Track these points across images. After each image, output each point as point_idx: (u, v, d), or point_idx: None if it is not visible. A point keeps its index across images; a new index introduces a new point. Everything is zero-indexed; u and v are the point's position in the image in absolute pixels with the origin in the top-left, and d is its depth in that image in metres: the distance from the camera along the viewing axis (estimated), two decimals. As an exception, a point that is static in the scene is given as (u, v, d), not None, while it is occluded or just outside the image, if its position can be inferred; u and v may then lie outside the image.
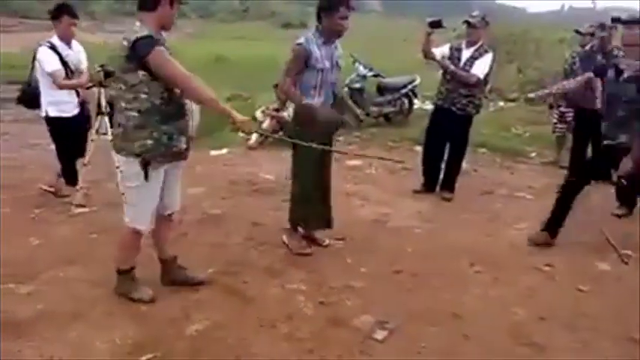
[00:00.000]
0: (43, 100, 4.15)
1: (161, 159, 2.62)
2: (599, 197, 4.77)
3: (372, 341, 2.65)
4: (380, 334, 2.69)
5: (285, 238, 3.71)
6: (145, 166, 2.57)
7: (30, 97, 4.24)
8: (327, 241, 3.74)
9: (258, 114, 7.36)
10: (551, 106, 6.31)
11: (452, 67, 4.61)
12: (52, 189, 4.46)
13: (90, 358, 2.44)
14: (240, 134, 6.21)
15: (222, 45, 18.96)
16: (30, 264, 3.31)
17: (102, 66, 4.08)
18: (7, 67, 12.20)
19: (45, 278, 3.14)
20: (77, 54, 4.25)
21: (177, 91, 2.57)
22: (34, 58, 4.14)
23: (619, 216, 4.48)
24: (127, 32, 2.47)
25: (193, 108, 7.13)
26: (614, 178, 3.78)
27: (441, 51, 4.72)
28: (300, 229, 3.71)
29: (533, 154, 6.63)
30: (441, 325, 2.80)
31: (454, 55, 4.68)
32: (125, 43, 2.43)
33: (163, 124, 2.56)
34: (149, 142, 2.55)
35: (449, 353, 2.58)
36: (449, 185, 4.97)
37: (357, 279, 3.26)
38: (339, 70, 3.53)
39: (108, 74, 3.89)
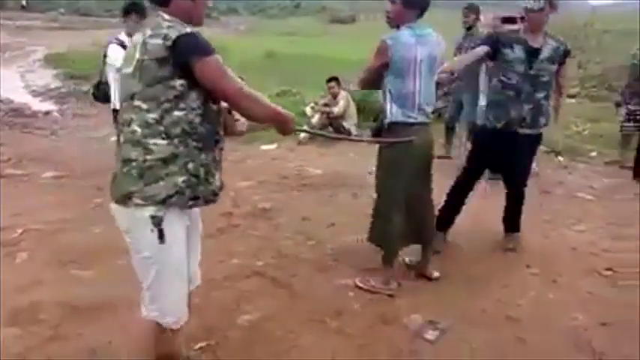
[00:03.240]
0: (113, 94, 4.33)
1: (192, 203, 1.83)
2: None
3: (422, 341, 2.60)
4: (431, 334, 2.63)
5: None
6: (159, 223, 1.76)
7: (103, 93, 4.51)
8: (435, 274, 3.23)
9: (308, 109, 7.39)
10: (618, 104, 6.00)
11: None
12: None
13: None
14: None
15: (272, 41, 19.15)
16: (91, 251, 3.45)
17: None
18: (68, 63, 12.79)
19: (105, 266, 3.26)
20: None
21: (215, 106, 1.85)
22: (104, 55, 4.33)
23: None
24: (153, 28, 1.73)
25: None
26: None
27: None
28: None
29: (594, 153, 6.32)
30: (494, 328, 2.72)
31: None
32: (159, 41, 1.68)
33: (202, 152, 1.80)
34: (181, 179, 1.76)
35: (501, 355, 2.50)
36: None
37: (407, 277, 3.21)
38: None
39: None
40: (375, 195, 3.12)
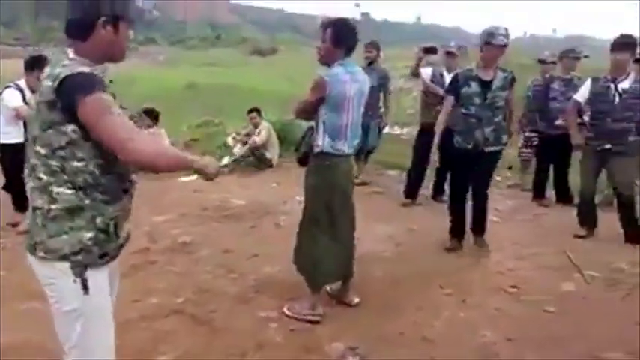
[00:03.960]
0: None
1: (101, 261, 1.69)
2: (560, 219, 4.95)
3: (343, 367, 2.64)
4: (351, 360, 2.69)
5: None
6: (81, 273, 1.64)
7: None
8: (356, 299, 3.32)
9: (229, 140, 7.39)
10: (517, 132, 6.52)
11: (441, 90, 5.06)
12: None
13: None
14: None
15: (192, 71, 19.00)
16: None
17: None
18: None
19: (8, 310, 3.03)
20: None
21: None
22: None
23: (581, 237, 4.61)
24: (51, 66, 1.61)
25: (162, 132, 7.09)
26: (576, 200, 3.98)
27: (425, 72, 5.47)
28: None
29: (498, 178, 6.79)
30: (411, 349, 2.82)
31: (437, 79, 5.38)
32: (49, 82, 1.55)
33: (109, 204, 1.67)
34: (87, 235, 1.63)
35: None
36: (441, 188, 5.62)
37: (326, 305, 3.25)
38: None
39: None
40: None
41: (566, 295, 3.55)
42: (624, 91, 4.29)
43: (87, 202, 1.62)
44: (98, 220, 1.65)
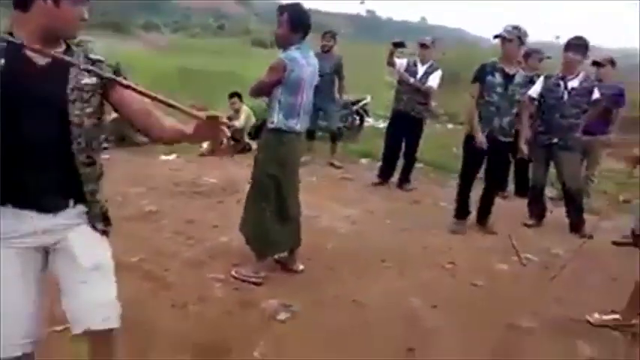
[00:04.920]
0: None
1: None
2: (514, 209, 5.20)
3: (274, 321, 2.89)
4: (282, 315, 2.94)
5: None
6: None
7: None
8: (300, 267, 3.57)
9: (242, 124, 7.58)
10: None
11: (412, 79, 5.69)
12: None
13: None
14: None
15: (190, 58, 19.15)
16: None
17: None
18: None
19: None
20: None
21: None
22: None
23: (528, 226, 4.86)
24: None
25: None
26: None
27: (400, 63, 5.85)
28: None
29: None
30: (342, 311, 3.07)
31: (411, 69, 5.77)
32: None
33: None
34: None
35: (342, 333, 2.84)
36: (406, 178, 6.02)
37: (272, 270, 3.50)
38: None
39: None
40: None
41: (499, 272, 3.81)
42: (573, 89, 4.53)
43: None
44: None
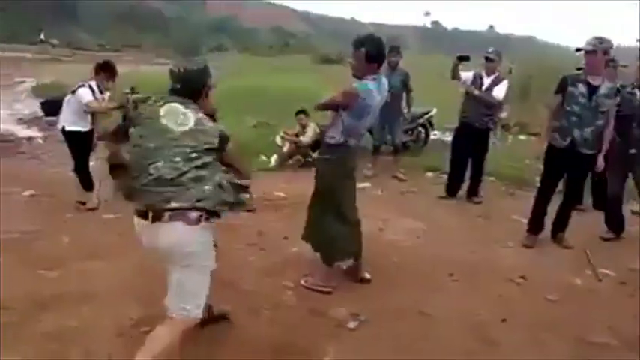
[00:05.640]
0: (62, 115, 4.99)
1: None
2: (591, 222, 5.01)
3: (344, 329, 3.00)
4: (352, 324, 3.04)
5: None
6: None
7: (53, 109, 5.29)
8: (367, 275, 3.69)
9: (278, 139, 7.86)
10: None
11: (477, 91, 5.66)
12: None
13: (98, 330, 2.88)
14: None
15: (257, 76, 19.83)
16: (59, 257, 3.82)
17: (132, 88, 4.69)
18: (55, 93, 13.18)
19: (68, 268, 3.64)
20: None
21: None
22: (73, 92, 4.92)
23: (606, 239, 4.67)
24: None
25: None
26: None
27: (466, 75, 5.81)
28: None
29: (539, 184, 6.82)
30: (407, 321, 3.12)
31: (477, 81, 5.74)
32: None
33: None
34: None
35: (409, 342, 2.89)
36: (474, 191, 5.96)
37: (342, 280, 3.61)
38: None
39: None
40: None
41: (572, 287, 3.71)
42: None
43: None
44: None
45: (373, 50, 3.27)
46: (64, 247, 4.08)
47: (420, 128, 8.78)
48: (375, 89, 3.29)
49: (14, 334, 2.79)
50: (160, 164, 2.22)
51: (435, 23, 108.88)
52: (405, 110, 6.87)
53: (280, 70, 25.62)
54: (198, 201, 2.22)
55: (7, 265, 3.64)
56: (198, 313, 2.37)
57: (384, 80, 3.42)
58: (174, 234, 2.22)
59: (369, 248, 4.22)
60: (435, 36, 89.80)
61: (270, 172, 7.08)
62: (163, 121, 2.29)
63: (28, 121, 10.85)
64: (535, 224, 4.56)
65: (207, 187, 2.24)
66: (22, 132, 9.77)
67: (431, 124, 9.01)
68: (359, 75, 3.32)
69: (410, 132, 8.55)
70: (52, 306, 3.09)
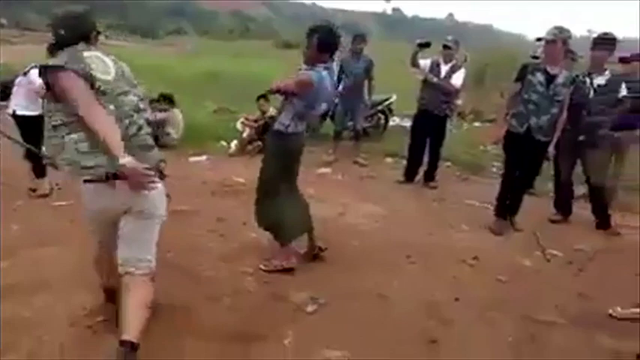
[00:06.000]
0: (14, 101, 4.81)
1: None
2: (541, 205, 5.22)
3: (302, 312, 3.03)
4: (310, 307, 3.08)
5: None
6: None
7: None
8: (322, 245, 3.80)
9: (238, 124, 7.79)
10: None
11: (435, 79, 5.78)
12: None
13: (51, 320, 2.81)
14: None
15: (216, 60, 19.49)
16: (9, 245, 3.69)
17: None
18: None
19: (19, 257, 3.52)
20: None
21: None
22: (24, 73, 4.75)
23: (554, 221, 4.88)
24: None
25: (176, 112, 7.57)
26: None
27: (424, 63, 5.91)
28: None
29: (494, 169, 7.05)
30: (366, 303, 3.19)
31: (434, 68, 5.84)
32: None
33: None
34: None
35: (365, 323, 2.96)
36: (431, 176, 6.09)
37: (302, 264, 3.64)
38: None
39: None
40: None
41: (522, 268, 3.88)
42: (599, 86, 4.53)
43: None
44: None
45: (325, 39, 3.30)
46: (14, 236, 3.94)
47: (379, 114, 8.87)
48: (328, 78, 3.35)
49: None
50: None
51: (396, 10, 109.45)
52: (367, 97, 6.93)
53: (241, 54, 25.27)
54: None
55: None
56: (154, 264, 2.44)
57: (335, 67, 3.47)
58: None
59: (329, 232, 4.29)
60: (395, 23, 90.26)
61: (229, 158, 7.02)
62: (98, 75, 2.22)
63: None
64: (502, 209, 4.67)
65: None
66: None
67: (390, 110, 9.11)
68: (310, 63, 3.35)
69: (370, 118, 8.63)
70: (3, 296, 2.98)
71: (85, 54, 2.24)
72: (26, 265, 3.42)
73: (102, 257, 2.64)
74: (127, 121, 2.26)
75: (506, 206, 4.66)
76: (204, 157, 7.03)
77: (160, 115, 7.46)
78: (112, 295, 2.73)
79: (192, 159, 6.92)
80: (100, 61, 2.27)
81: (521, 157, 4.52)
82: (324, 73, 3.31)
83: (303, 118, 3.41)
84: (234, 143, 7.50)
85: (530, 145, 4.39)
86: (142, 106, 2.37)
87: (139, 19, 47.71)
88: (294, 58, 3.55)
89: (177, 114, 7.62)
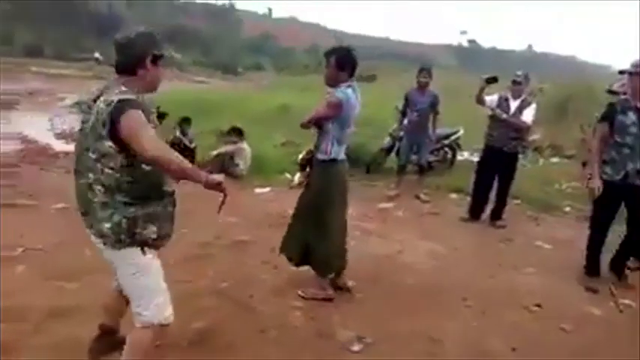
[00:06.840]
0: None
1: (119, 246, 2.23)
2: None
3: (347, 351, 2.97)
4: (356, 347, 3.01)
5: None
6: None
7: None
8: (349, 283, 3.81)
9: (300, 156, 7.93)
10: (584, 163, 6.38)
11: (505, 115, 5.54)
12: None
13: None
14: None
15: (288, 95, 20.09)
16: (79, 269, 3.93)
17: (157, 108, 4.85)
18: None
19: (86, 280, 3.74)
20: None
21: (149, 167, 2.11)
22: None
23: (631, 269, 4.48)
24: (108, 94, 2.09)
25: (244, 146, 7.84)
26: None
27: (490, 99, 5.69)
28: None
29: (568, 209, 6.64)
30: (414, 345, 3.07)
31: (502, 104, 5.62)
32: (103, 105, 2.04)
33: (130, 206, 2.15)
34: (107, 226, 2.18)
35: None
36: (498, 215, 5.82)
37: (352, 302, 3.59)
38: None
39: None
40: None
41: (590, 317, 3.58)
42: None
43: (108, 200, 2.13)
44: (115, 217, 2.14)
45: (343, 57, 3.40)
46: (87, 260, 4.19)
47: (446, 148, 8.70)
48: (353, 96, 3.40)
49: (25, 343, 2.88)
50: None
51: (472, 42, 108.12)
52: (431, 131, 6.82)
53: (309, 88, 25.92)
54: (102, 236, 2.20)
55: (25, 276, 3.78)
56: (161, 317, 2.29)
57: (358, 89, 3.50)
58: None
59: (384, 269, 4.23)
60: (471, 55, 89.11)
61: (291, 190, 7.13)
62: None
63: (66, 136, 11.29)
64: (593, 264, 4.22)
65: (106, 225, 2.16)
66: (60, 146, 10.17)
67: (458, 145, 8.92)
68: (331, 83, 3.45)
69: (436, 152, 8.48)
70: (67, 316, 3.17)
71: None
72: (93, 288, 3.62)
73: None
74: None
75: (598, 262, 4.23)
76: (267, 189, 7.21)
77: (229, 148, 7.80)
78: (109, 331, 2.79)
79: (258, 190, 7.11)
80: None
81: (616, 206, 4.12)
82: (349, 90, 3.38)
83: (342, 142, 3.47)
84: (297, 176, 7.64)
85: (627, 193, 4.00)
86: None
87: (221, 56, 50.58)
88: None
89: (245, 146, 7.91)
